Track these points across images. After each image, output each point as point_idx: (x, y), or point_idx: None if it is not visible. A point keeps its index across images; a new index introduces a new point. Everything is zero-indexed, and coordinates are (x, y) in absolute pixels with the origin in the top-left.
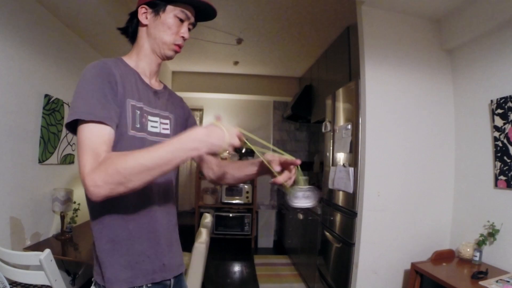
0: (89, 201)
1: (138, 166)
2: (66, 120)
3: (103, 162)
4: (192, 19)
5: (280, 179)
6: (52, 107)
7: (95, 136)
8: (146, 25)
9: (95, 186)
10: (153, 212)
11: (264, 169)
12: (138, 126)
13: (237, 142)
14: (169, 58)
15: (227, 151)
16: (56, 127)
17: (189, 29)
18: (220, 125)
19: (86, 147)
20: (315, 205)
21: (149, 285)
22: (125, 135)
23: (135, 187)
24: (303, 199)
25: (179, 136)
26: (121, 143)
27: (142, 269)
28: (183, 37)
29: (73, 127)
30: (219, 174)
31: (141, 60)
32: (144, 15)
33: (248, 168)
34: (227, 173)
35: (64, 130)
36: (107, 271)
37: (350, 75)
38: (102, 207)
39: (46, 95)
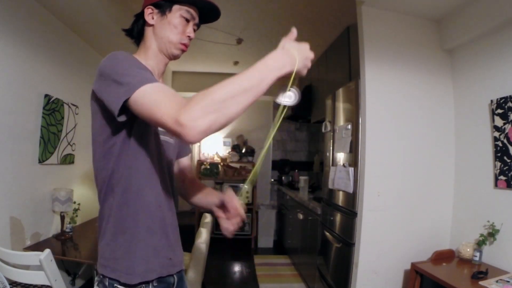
0: (107, 192)
1: (233, 89)
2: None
3: (192, 99)
4: (197, 19)
5: (223, 223)
6: (52, 107)
7: (163, 87)
8: (152, 25)
9: (193, 120)
10: (163, 207)
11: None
12: None
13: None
14: (175, 57)
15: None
16: (56, 127)
17: (193, 30)
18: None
19: (161, 98)
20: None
21: (155, 284)
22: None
23: (234, 114)
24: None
25: (267, 57)
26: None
27: (154, 263)
28: (189, 36)
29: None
30: (187, 189)
31: (149, 59)
32: (151, 15)
33: (212, 198)
34: (194, 193)
35: (64, 130)
36: (123, 264)
37: (350, 75)
38: (120, 198)
39: (46, 95)
